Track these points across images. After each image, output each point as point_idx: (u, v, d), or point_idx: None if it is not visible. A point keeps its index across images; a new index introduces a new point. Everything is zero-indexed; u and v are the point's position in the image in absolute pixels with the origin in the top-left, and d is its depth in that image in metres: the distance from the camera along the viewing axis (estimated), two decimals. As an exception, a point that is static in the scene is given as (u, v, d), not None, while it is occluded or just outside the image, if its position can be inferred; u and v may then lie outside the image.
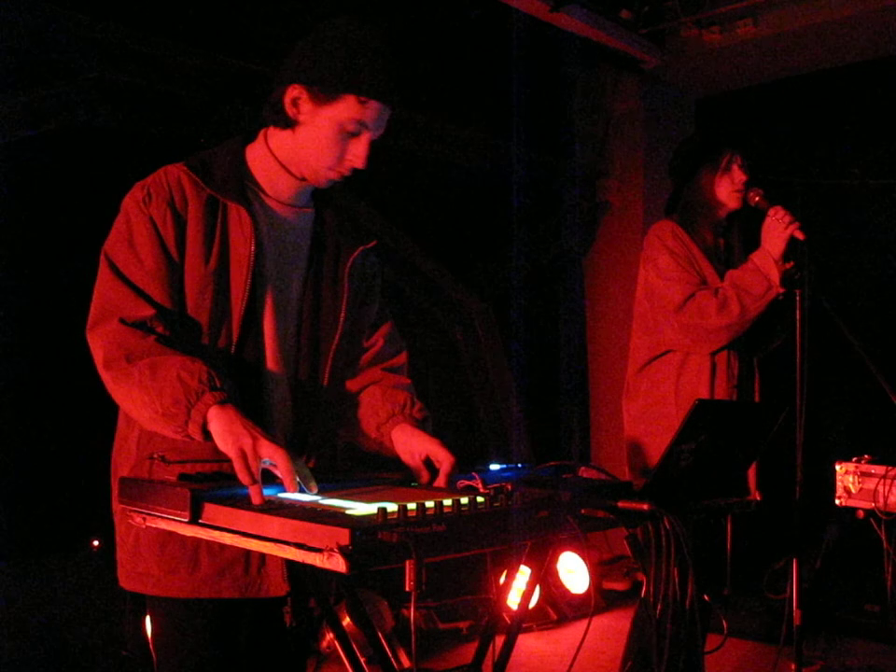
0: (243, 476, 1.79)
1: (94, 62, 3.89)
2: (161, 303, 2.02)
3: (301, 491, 1.84)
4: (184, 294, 2.06)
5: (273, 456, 1.82)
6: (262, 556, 2.01)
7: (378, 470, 2.23)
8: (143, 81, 4.07)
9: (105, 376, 1.97)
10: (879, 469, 3.11)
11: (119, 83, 4.01)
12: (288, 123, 2.12)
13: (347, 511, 1.67)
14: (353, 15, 2.12)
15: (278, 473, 1.83)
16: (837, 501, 3.22)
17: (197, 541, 1.97)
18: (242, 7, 4.27)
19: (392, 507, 1.57)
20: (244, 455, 1.81)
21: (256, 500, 1.77)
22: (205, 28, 4.21)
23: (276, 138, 2.16)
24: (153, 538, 2.00)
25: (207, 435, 1.88)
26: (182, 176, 2.09)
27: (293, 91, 2.08)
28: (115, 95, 4.01)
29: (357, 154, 2.10)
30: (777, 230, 3.19)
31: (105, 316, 1.99)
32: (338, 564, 1.45)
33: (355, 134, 2.08)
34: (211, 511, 1.72)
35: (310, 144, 2.11)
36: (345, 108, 2.05)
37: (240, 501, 1.74)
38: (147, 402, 1.90)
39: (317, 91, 2.06)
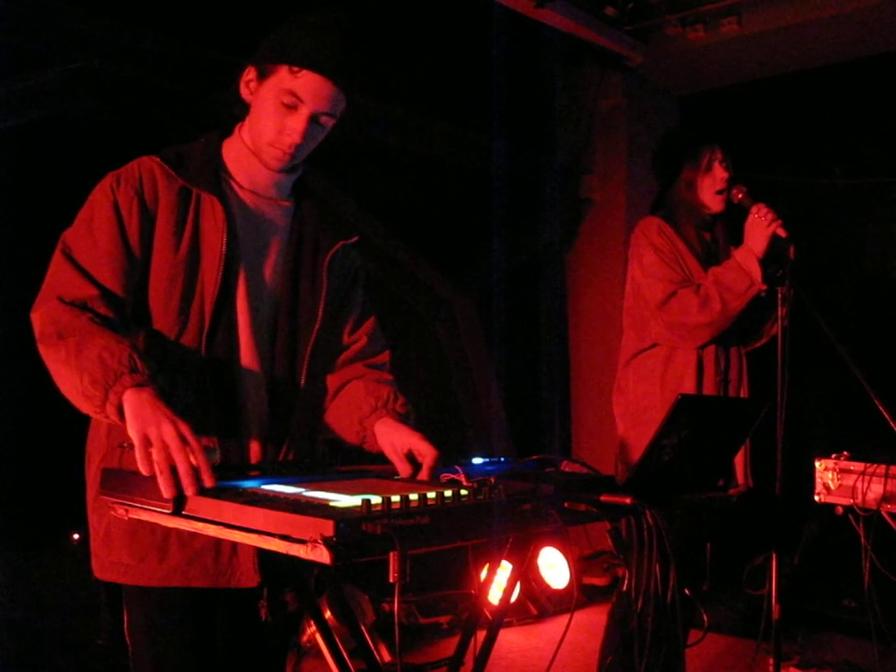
0: (141, 465, 1.73)
1: (76, 52, 3.86)
2: (109, 286, 1.97)
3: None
4: (148, 285, 2.04)
5: (174, 447, 1.72)
6: (234, 546, 1.99)
7: (361, 464, 2.23)
8: (125, 72, 4.05)
9: (41, 352, 1.92)
10: (858, 466, 3.13)
11: (101, 73, 3.99)
12: (244, 107, 2.13)
13: (331, 503, 1.66)
14: (330, 5, 2.11)
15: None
16: (816, 498, 3.23)
17: (167, 530, 1.94)
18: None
19: (376, 499, 1.57)
20: (146, 443, 1.74)
21: (166, 493, 1.69)
22: (189, 19, 4.19)
23: (245, 127, 2.17)
24: (124, 527, 1.98)
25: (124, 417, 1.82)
26: (155, 168, 2.08)
27: (247, 75, 2.11)
28: (97, 85, 3.99)
29: (294, 128, 2.07)
30: (760, 227, 3.20)
31: (46, 297, 1.95)
32: (322, 555, 1.45)
33: (291, 108, 2.06)
34: (194, 502, 1.71)
35: (255, 120, 2.12)
36: (279, 79, 2.06)
37: (223, 492, 1.74)
38: (72, 381, 1.85)
39: (262, 68, 2.08)
